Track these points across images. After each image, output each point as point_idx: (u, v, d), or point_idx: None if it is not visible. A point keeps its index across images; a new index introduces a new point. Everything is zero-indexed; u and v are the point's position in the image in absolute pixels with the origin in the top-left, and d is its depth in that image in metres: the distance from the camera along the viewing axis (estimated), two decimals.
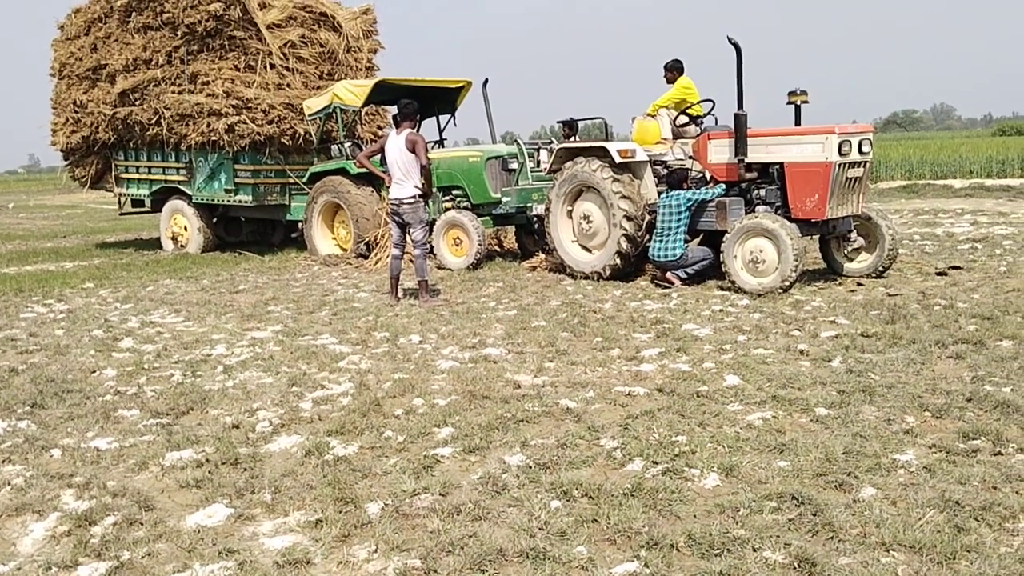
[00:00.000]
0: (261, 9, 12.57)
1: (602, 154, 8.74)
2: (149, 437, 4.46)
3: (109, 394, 5.32)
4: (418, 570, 2.94)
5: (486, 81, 11.81)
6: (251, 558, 3.07)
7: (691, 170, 8.86)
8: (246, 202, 12.97)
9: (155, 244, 14.95)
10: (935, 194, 19.23)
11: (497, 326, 6.86)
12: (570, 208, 9.20)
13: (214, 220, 14.00)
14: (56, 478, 3.93)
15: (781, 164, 8.05)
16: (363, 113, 13.33)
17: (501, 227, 11.66)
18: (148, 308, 8.45)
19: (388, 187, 8.32)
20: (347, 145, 12.01)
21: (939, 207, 15.96)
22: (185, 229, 13.88)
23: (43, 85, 14.69)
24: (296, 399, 5.04)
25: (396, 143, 8.00)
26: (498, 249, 11.96)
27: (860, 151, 7.82)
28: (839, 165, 7.66)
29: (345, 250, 11.81)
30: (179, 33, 12.43)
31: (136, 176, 14.32)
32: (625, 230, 8.50)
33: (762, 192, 8.25)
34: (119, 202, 15.18)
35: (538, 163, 10.83)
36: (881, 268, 8.31)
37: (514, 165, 10.82)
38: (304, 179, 12.46)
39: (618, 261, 8.69)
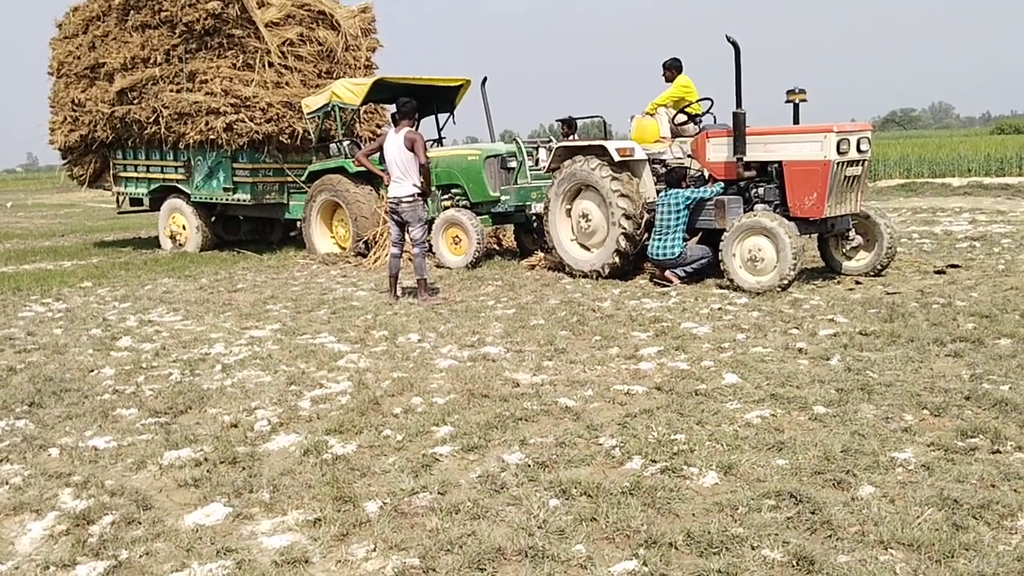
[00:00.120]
0: (259, 7, 12.56)
1: (601, 153, 8.74)
2: (147, 436, 4.45)
3: (107, 393, 5.32)
4: (417, 569, 2.94)
5: (485, 80, 11.81)
6: (249, 557, 3.07)
7: (690, 168, 8.86)
8: (244, 201, 12.96)
9: (153, 243, 14.93)
10: (933, 192, 19.24)
11: (496, 325, 6.86)
12: (569, 207, 9.20)
13: (212, 219, 13.99)
14: (54, 477, 3.93)
15: (780, 163, 8.05)
16: (362, 111, 13.33)
17: (500, 226, 11.66)
18: (146, 307, 8.44)
19: (387, 186, 8.31)
20: (346, 144, 12.00)
21: (937, 205, 15.97)
22: (183, 228, 13.87)
23: (41, 84, 14.71)
24: (294, 398, 5.04)
25: (395, 141, 7.99)
26: (497, 248, 11.96)
27: (858, 149, 7.82)
28: (837, 164, 7.66)
29: (344, 249, 11.80)
30: (177, 31, 12.41)
31: (134, 175, 14.31)
32: (624, 229, 8.50)
33: (761, 191, 8.25)
34: (117, 201, 15.16)
35: (537, 162, 10.83)
36: (879, 266, 8.31)
37: (513, 164, 10.82)
38: (303, 178, 12.46)
39: (617, 260, 8.69)
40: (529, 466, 3.79)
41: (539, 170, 10.54)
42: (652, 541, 3.03)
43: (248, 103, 12.24)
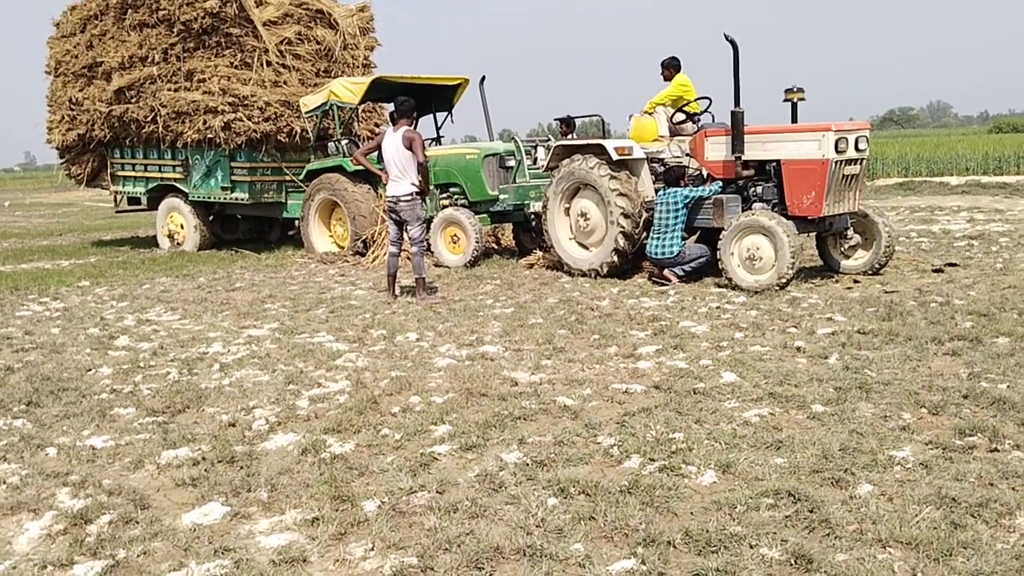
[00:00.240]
0: (257, 6, 12.54)
1: (599, 151, 8.73)
2: (145, 435, 4.45)
3: (105, 392, 5.31)
4: (415, 568, 2.93)
5: (483, 78, 11.81)
6: (247, 556, 3.06)
7: (688, 167, 8.86)
8: (243, 200, 12.95)
9: (151, 242, 14.92)
10: (931, 191, 19.25)
11: (494, 324, 6.86)
12: (567, 205, 9.20)
13: (210, 218, 13.98)
14: (52, 476, 3.92)
15: (778, 161, 8.05)
16: (360, 110, 13.31)
17: (498, 224, 11.65)
18: (144, 306, 8.43)
19: (385, 184, 8.31)
20: (344, 142, 11.99)
21: (935, 204, 15.98)
22: (181, 227, 13.85)
23: (39, 83, 14.72)
24: (292, 397, 5.04)
25: (393, 140, 7.99)
26: (495, 246, 11.95)
27: (857, 148, 7.82)
28: (836, 162, 7.66)
29: (342, 248, 11.80)
30: (175, 30, 12.39)
31: (132, 174, 14.29)
32: (622, 227, 8.50)
33: (759, 189, 8.25)
34: (115, 200, 15.14)
35: (535, 161, 10.83)
36: (878, 265, 8.32)
37: (511, 162, 10.82)
38: (301, 177, 12.45)
39: (615, 258, 8.68)
40: (527, 465, 3.78)
41: (537, 169, 10.54)
42: (650, 540, 3.03)
43: (246, 102, 12.22)
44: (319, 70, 13.30)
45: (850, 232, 8.29)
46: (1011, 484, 3.37)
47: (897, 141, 33.33)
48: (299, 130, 12.58)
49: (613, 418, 4.38)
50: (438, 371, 5.49)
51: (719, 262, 7.91)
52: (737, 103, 8.08)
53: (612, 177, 8.55)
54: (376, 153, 8.60)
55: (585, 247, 9.14)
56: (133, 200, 14.83)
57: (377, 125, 14.27)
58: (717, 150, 8.47)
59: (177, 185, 13.60)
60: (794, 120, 8.29)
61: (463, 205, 10.88)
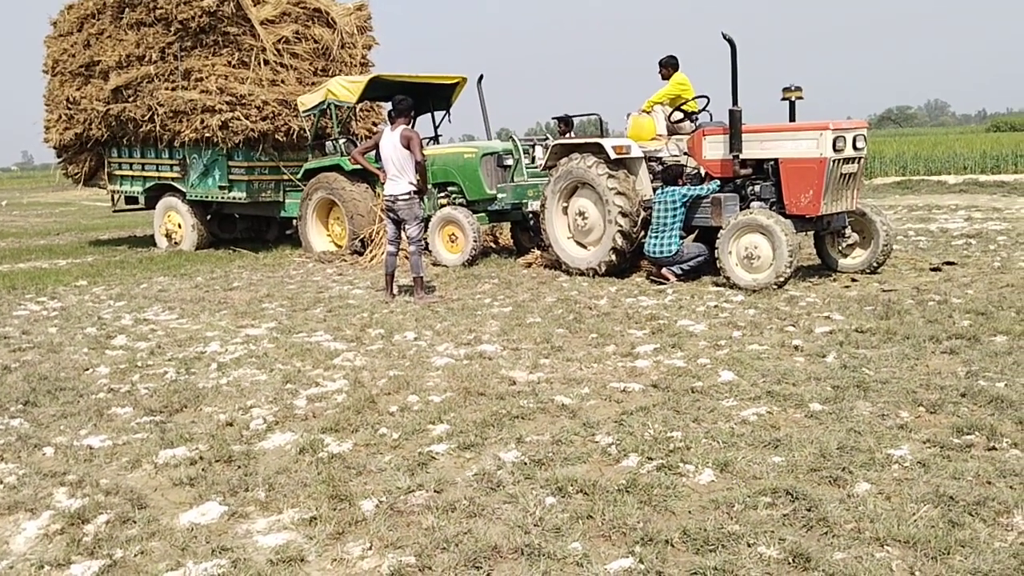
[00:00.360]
0: (255, 5, 12.52)
1: (597, 150, 8.73)
2: (142, 435, 4.44)
3: (102, 392, 5.30)
4: (412, 567, 2.93)
5: (481, 77, 11.80)
6: (245, 556, 3.06)
7: (686, 166, 8.86)
8: (240, 199, 12.93)
9: (149, 241, 14.89)
10: (929, 190, 19.26)
11: (492, 322, 6.86)
12: (565, 204, 9.19)
13: (208, 217, 13.96)
14: (49, 476, 3.91)
15: (776, 160, 8.05)
16: (358, 109, 13.30)
17: (496, 223, 11.64)
18: (142, 305, 8.42)
19: (382, 184, 8.30)
20: (342, 141, 11.98)
21: (933, 203, 15.99)
22: (179, 226, 13.84)
23: (36, 82, 14.67)
24: (290, 396, 5.03)
25: (391, 139, 7.98)
26: (493, 245, 11.94)
27: (854, 147, 7.83)
28: (833, 161, 7.67)
29: (340, 247, 11.79)
30: (172, 29, 12.37)
31: (130, 173, 14.27)
32: (620, 226, 8.50)
33: (757, 188, 8.25)
34: (113, 199, 15.13)
35: (533, 159, 10.83)
36: (875, 264, 8.32)
37: (509, 161, 10.81)
38: (298, 176, 12.43)
39: (613, 257, 8.68)
40: (525, 464, 3.78)
41: (535, 168, 10.54)
42: (648, 539, 3.03)
43: (244, 101, 12.21)
44: (317, 69, 13.29)
45: (848, 231, 8.29)
46: (1009, 482, 3.37)
47: (895, 140, 33.36)
48: (297, 129, 12.56)
49: (611, 417, 4.38)
50: (436, 370, 5.48)
51: (717, 261, 7.91)
52: (735, 102, 8.08)
53: (610, 176, 8.55)
54: (374, 152, 8.59)
55: (583, 246, 9.14)
56: (131, 199, 14.82)
57: (375, 124, 14.25)
58: (715, 149, 8.47)
59: (175, 184, 13.58)
60: (792, 119, 8.29)
61: (461, 204, 10.88)
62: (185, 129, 12.42)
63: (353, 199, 11.27)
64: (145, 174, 14.03)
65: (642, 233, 8.61)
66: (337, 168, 11.59)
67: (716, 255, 7.91)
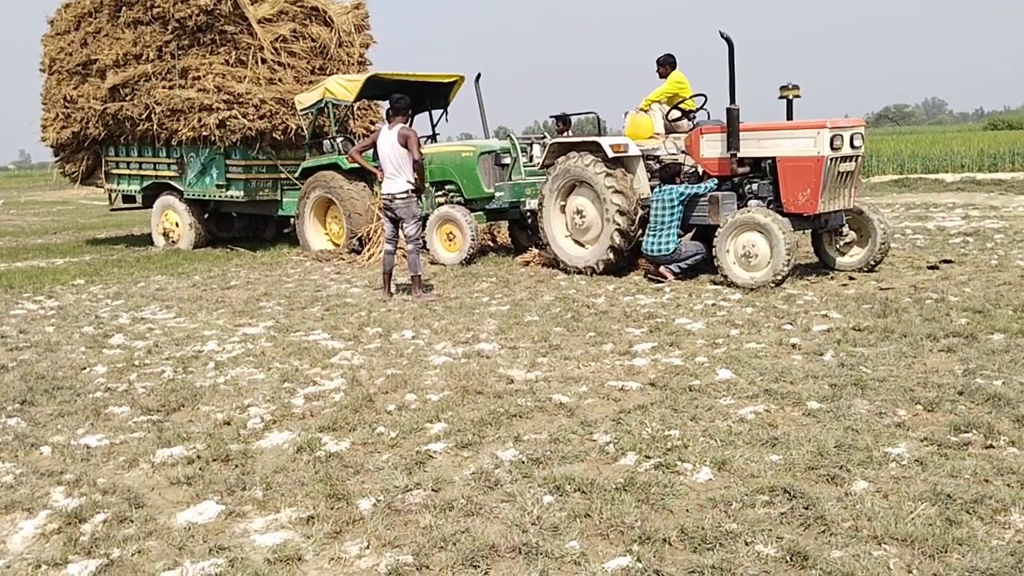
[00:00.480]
0: (252, 3, 12.50)
1: (595, 149, 8.72)
2: (139, 434, 4.44)
3: (99, 391, 5.30)
4: (410, 566, 2.93)
5: (479, 76, 11.78)
6: (242, 555, 3.06)
7: (684, 165, 8.85)
8: (238, 198, 12.92)
9: (146, 240, 14.88)
10: (926, 188, 19.28)
11: (490, 321, 6.85)
12: (563, 203, 9.19)
13: (205, 216, 13.93)
14: (46, 475, 3.90)
15: (773, 158, 8.05)
16: (355, 108, 13.29)
17: (494, 222, 11.64)
18: (139, 304, 8.41)
19: (380, 182, 8.29)
20: (339, 140, 11.97)
21: (930, 201, 16.00)
22: (176, 225, 13.82)
23: (34, 80, 14.63)
24: (288, 395, 5.03)
25: (388, 138, 7.97)
26: (491, 244, 11.94)
27: (852, 145, 7.83)
28: (831, 159, 7.67)
29: (337, 245, 11.78)
30: (169, 28, 12.35)
31: (127, 172, 14.25)
32: (618, 225, 8.50)
33: (754, 186, 8.25)
34: (110, 198, 15.09)
35: (531, 158, 10.82)
36: (873, 262, 8.32)
37: (507, 160, 10.80)
38: (296, 174, 12.42)
39: (611, 256, 8.68)
40: (523, 463, 3.78)
41: (533, 166, 10.53)
42: (646, 537, 3.03)
43: (241, 99, 12.18)
44: (314, 68, 13.27)
45: (845, 229, 8.29)
46: (1006, 480, 3.37)
47: (892, 138, 33.40)
48: (294, 128, 12.55)
49: (609, 415, 4.38)
50: (434, 369, 5.48)
51: (715, 259, 7.91)
52: (732, 100, 8.08)
53: (608, 174, 8.55)
54: (371, 151, 8.58)
55: (581, 244, 9.13)
56: (128, 198, 14.79)
57: (372, 123, 14.24)
58: (712, 147, 8.47)
59: (172, 183, 13.55)
60: (789, 117, 8.29)
61: (459, 203, 10.87)
62: (182, 128, 12.40)
63: (351, 198, 11.26)
64: (142, 173, 14.01)
65: (640, 231, 8.61)
66: (335, 167, 11.58)
67: (714, 253, 7.91)
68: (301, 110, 12.18)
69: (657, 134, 9.24)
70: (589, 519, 3.20)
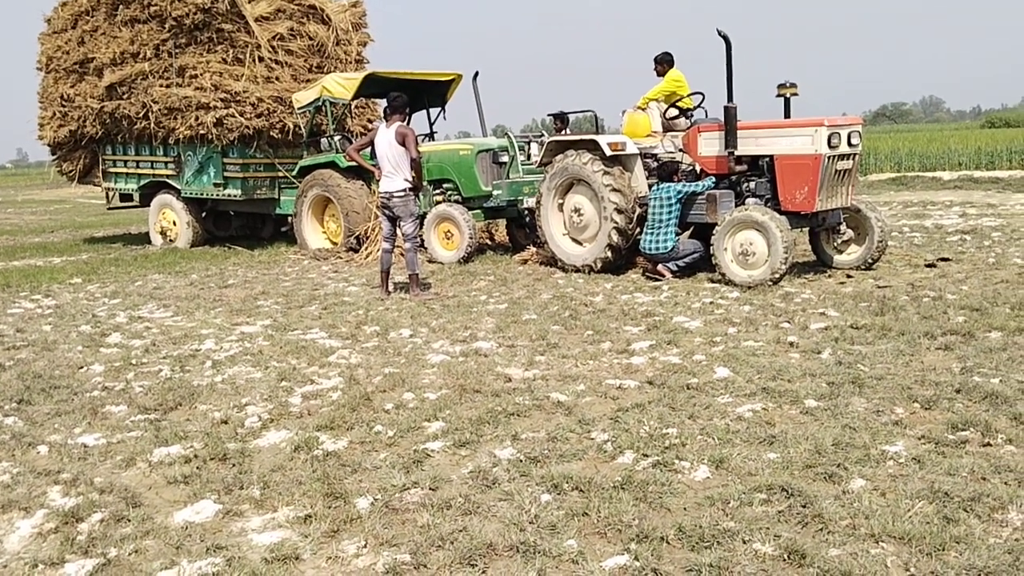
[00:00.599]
0: (249, 2, 12.49)
1: (593, 147, 8.72)
2: (137, 433, 4.43)
3: (96, 390, 5.29)
4: (408, 565, 2.92)
5: (476, 74, 11.77)
6: (239, 554, 3.05)
7: (681, 163, 8.85)
8: (235, 196, 12.90)
9: (143, 239, 14.86)
10: (924, 186, 19.29)
11: (488, 320, 6.85)
12: (561, 201, 9.19)
13: (203, 214, 13.93)
14: (43, 475, 3.90)
15: (771, 157, 8.05)
16: (353, 106, 13.28)
17: (492, 220, 11.63)
18: (136, 303, 8.40)
19: (378, 180, 8.28)
20: (337, 138, 11.96)
21: (928, 199, 16.01)
22: (174, 223, 13.80)
23: (31, 79, 14.59)
24: (285, 394, 5.02)
25: (386, 136, 7.96)
26: (489, 242, 11.93)
27: (849, 143, 7.83)
28: (828, 157, 7.67)
29: (335, 244, 11.77)
30: (167, 26, 12.33)
31: (124, 170, 14.23)
32: (616, 223, 8.50)
33: (752, 185, 8.25)
34: (107, 197, 15.07)
35: (529, 156, 10.81)
36: (870, 260, 8.33)
37: (505, 158, 10.80)
38: (294, 173, 12.41)
39: (609, 254, 8.68)
40: (521, 461, 3.78)
41: (531, 165, 10.52)
42: (644, 535, 3.03)
43: (238, 98, 12.17)
44: (311, 66, 13.26)
45: (843, 227, 8.30)
46: (1003, 478, 3.37)
47: (890, 136, 33.43)
48: (292, 126, 12.54)
49: (606, 414, 4.38)
50: (431, 367, 5.48)
51: (712, 257, 7.91)
52: (730, 98, 8.08)
53: (605, 173, 8.54)
54: (369, 149, 8.57)
55: (579, 243, 9.13)
56: (125, 197, 14.77)
57: (370, 121, 14.23)
58: (710, 145, 8.47)
59: (169, 181, 13.54)
60: (787, 115, 8.29)
61: (457, 201, 10.86)
62: (180, 126, 12.39)
63: (348, 196, 11.25)
64: (140, 171, 13.99)
65: (638, 230, 8.61)
66: (332, 165, 11.57)
67: (711, 251, 7.91)
68: (299, 108, 12.17)
69: (655, 132, 9.24)
70: (587, 517, 3.20)
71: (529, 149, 10.87)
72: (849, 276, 8.07)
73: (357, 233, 11.23)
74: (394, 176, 7.97)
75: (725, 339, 5.84)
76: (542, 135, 11.79)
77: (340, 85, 11.50)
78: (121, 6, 12.87)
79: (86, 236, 16.67)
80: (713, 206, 8.20)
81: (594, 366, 5.35)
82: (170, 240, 13.83)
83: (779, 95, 8.29)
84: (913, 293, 7.06)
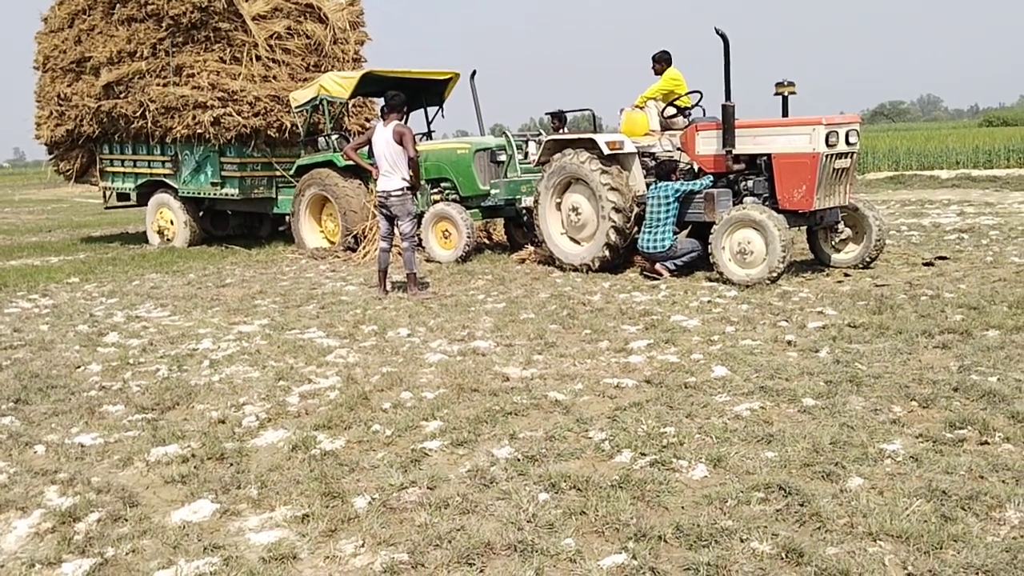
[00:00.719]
0: (246, 0, 12.47)
1: (590, 146, 8.72)
2: (134, 432, 4.42)
3: (94, 389, 5.28)
4: (405, 564, 2.92)
5: (474, 73, 11.76)
6: (237, 553, 3.05)
7: (679, 162, 8.85)
8: (233, 195, 12.89)
9: (141, 238, 14.84)
10: (922, 185, 19.31)
11: (486, 319, 6.85)
12: (559, 200, 9.18)
13: (200, 214, 13.91)
14: (40, 474, 3.89)
15: (769, 155, 8.05)
16: (350, 105, 13.26)
17: (490, 219, 11.63)
18: (134, 302, 8.39)
19: (375, 180, 8.27)
20: (334, 137, 11.94)
21: (926, 198, 16.03)
22: (171, 223, 13.79)
23: (28, 78, 14.57)
24: (283, 393, 5.01)
25: (383, 135, 7.96)
26: (487, 241, 11.93)
27: (847, 142, 7.83)
28: (826, 156, 7.67)
29: (333, 243, 11.75)
30: (164, 25, 12.31)
31: (121, 170, 14.21)
32: (614, 222, 8.49)
33: (750, 183, 8.25)
34: (104, 196, 15.05)
35: (526, 155, 10.80)
36: (868, 259, 8.33)
37: (502, 157, 10.80)
38: (291, 172, 12.39)
39: (607, 253, 8.68)
40: (519, 460, 3.78)
41: (529, 164, 10.51)
42: (641, 534, 3.02)
43: (236, 97, 12.16)
44: (309, 65, 13.25)
45: (841, 226, 8.30)
46: (1001, 477, 3.38)
47: (887, 135, 33.44)
48: (289, 125, 12.52)
49: (604, 413, 4.38)
50: (429, 367, 5.47)
51: (710, 256, 7.91)
52: (728, 97, 8.08)
53: (603, 172, 8.54)
54: (366, 148, 8.56)
55: (576, 242, 9.13)
56: (122, 196, 14.75)
57: (367, 120, 14.21)
58: (708, 144, 8.46)
59: (167, 181, 13.52)
60: (785, 114, 8.29)
61: (454, 200, 10.86)
62: (177, 125, 12.36)
63: (346, 195, 11.24)
64: (137, 171, 13.97)
65: (635, 229, 8.61)
66: (330, 164, 11.56)
67: (709, 250, 7.91)
68: (296, 107, 12.15)
69: (653, 131, 9.23)
70: (585, 516, 3.20)
71: (527, 148, 10.86)
72: (847, 275, 8.07)
73: (355, 232, 11.22)
74: (392, 175, 7.96)
75: (723, 338, 5.84)
76: (540, 134, 11.78)
77: (337, 84, 11.48)
78: (118, 5, 12.83)
79: (83, 235, 16.65)
80: (711, 205, 8.20)
81: (592, 365, 5.35)
82: (167, 239, 13.82)
83: (777, 93, 8.29)
84: (911, 292, 7.07)
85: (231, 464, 3.92)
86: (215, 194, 13.04)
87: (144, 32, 12.53)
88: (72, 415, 4.76)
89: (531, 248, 10.10)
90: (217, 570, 2.94)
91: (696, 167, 8.70)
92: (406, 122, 8.68)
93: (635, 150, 8.78)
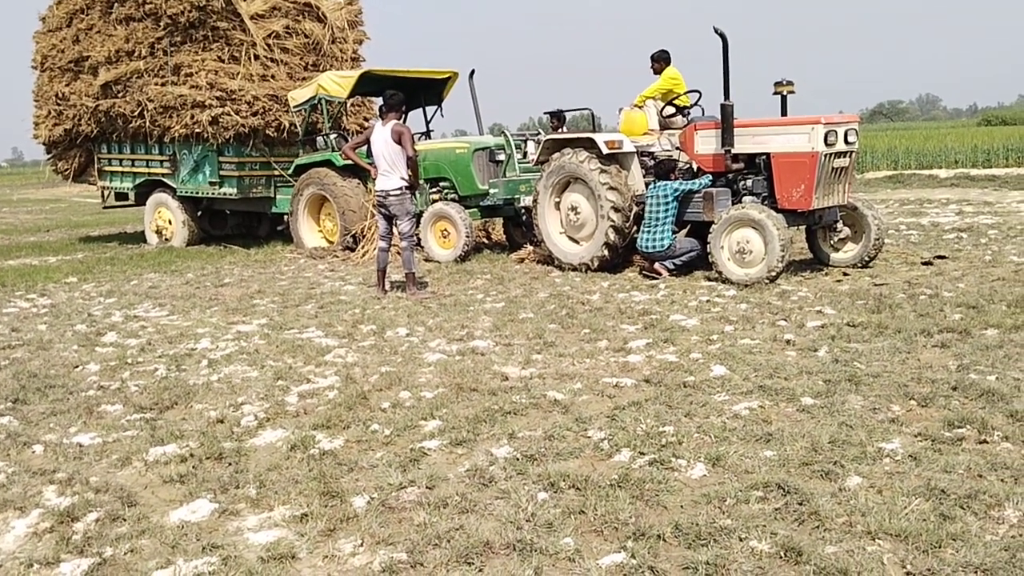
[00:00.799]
0: (244, 0, 12.46)
1: (589, 145, 8.71)
2: (132, 432, 4.42)
3: (92, 389, 5.28)
4: (404, 563, 2.92)
5: (472, 72, 11.75)
6: (235, 553, 3.05)
7: (678, 161, 8.85)
8: (231, 195, 12.88)
9: (139, 238, 14.83)
10: (921, 184, 19.32)
11: (485, 318, 6.84)
12: (558, 199, 9.18)
13: (199, 213, 13.91)
14: (38, 474, 3.89)
15: (767, 155, 8.05)
16: (349, 104, 13.25)
17: (489, 219, 11.63)
18: (132, 302, 8.38)
19: (374, 179, 8.27)
20: (333, 137, 11.93)
21: (925, 197, 16.03)
22: (169, 222, 13.78)
23: (26, 77, 14.57)
24: (281, 393, 5.01)
25: (382, 134, 7.95)
26: (486, 241, 11.93)
27: (846, 141, 7.83)
28: (825, 155, 7.67)
29: (331, 243, 11.74)
30: (162, 24, 12.30)
31: (119, 169, 14.20)
32: (613, 221, 8.49)
33: (749, 183, 8.25)
34: (102, 195, 15.04)
35: (525, 155, 10.79)
36: (867, 258, 8.34)
37: (501, 157, 10.79)
38: (289, 171, 12.38)
39: (606, 252, 8.68)
40: (517, 459, 3.78)
41: (528, 163, 10.51)
42: (640, 533, 3.02)
43: (234, 96, 12.14)
44: (307, 64, 13.23)
45: (839, 225, 8.30)
46: (1000, 475, 3.38)
47: (886, 134, 33.46)
48: (287, 124, 12.51)
49: (603, 412, 4.38)
50: (428, 366, 5.47)
51: (709, 255, 7.91)
52: (727, 96, 8.08)
53: (602, 171, 8.54)
54: (365, 147, 8.55)
55: (575, 241, 9.13)
56: (120, 196, 14.73)
57: (366, 119, 14.21)
58: (707, 143, 8.46)
59: (165, 180, 13.51)
60: (784, 113, 8.29)
61: (453, 199, 10.85)
62: (175, 125, 12.35)
63: (344, 195, 11.24)
64: (135, 170, 13.96)
65: (634, 228, 8.61)
66: (328, 163, 11.55)
67: (708, 250, 7.91)
68: (294, 107, 12.14)
69: (651, 130, 9.23)
70: (583, 516, 3.20)
71: (526, 147, 10.86)
72: (846, 274, 8.07)
73: (353, 232, 11.21)
74: (390, 174, 7.95)
75: (722, 337, 5.84)
76: (539, 133, 11.78)
77: (336, 83, 11.48)
78: (116, 4, 12.83)
79: (82, 235, 16.63)
80: (710, 204, 8.20)
81: (591, 364, 5.35)
82: (166, 239, 13.81)
83: (776, 93, 8.29)
84: (909, 291, 7.07)
85: (230, 464, 3.92)
86: (213, 194, 13.03)
87: (142, 31, 12.52)
88: (70, 415, 4.75)
89: (530, 248, 10.09)
90: (216, 570, 2.94)
91: (695, 166, 8.69)
92: (405, 121, 8.67)
93: (634, 149, 8.78)
